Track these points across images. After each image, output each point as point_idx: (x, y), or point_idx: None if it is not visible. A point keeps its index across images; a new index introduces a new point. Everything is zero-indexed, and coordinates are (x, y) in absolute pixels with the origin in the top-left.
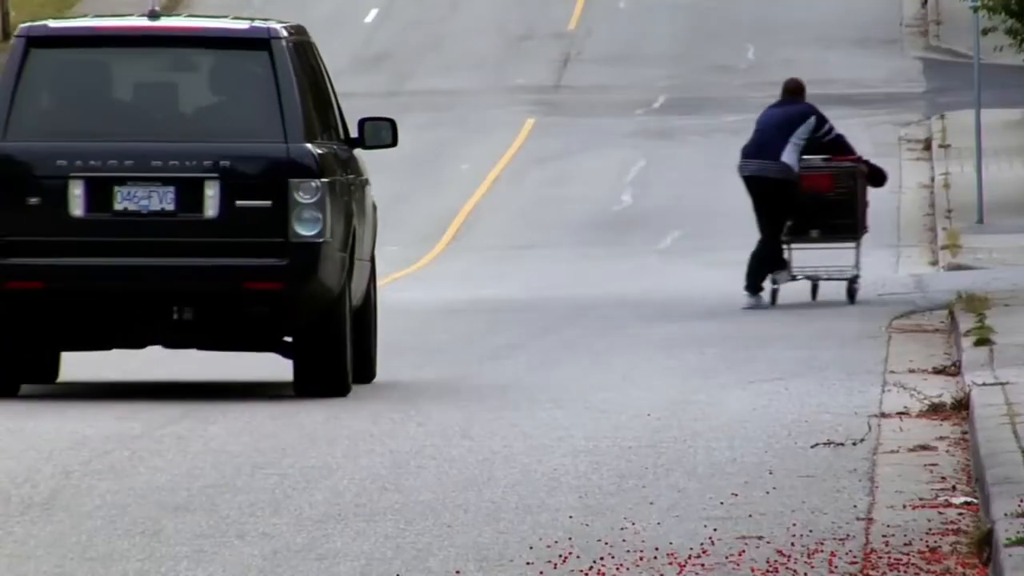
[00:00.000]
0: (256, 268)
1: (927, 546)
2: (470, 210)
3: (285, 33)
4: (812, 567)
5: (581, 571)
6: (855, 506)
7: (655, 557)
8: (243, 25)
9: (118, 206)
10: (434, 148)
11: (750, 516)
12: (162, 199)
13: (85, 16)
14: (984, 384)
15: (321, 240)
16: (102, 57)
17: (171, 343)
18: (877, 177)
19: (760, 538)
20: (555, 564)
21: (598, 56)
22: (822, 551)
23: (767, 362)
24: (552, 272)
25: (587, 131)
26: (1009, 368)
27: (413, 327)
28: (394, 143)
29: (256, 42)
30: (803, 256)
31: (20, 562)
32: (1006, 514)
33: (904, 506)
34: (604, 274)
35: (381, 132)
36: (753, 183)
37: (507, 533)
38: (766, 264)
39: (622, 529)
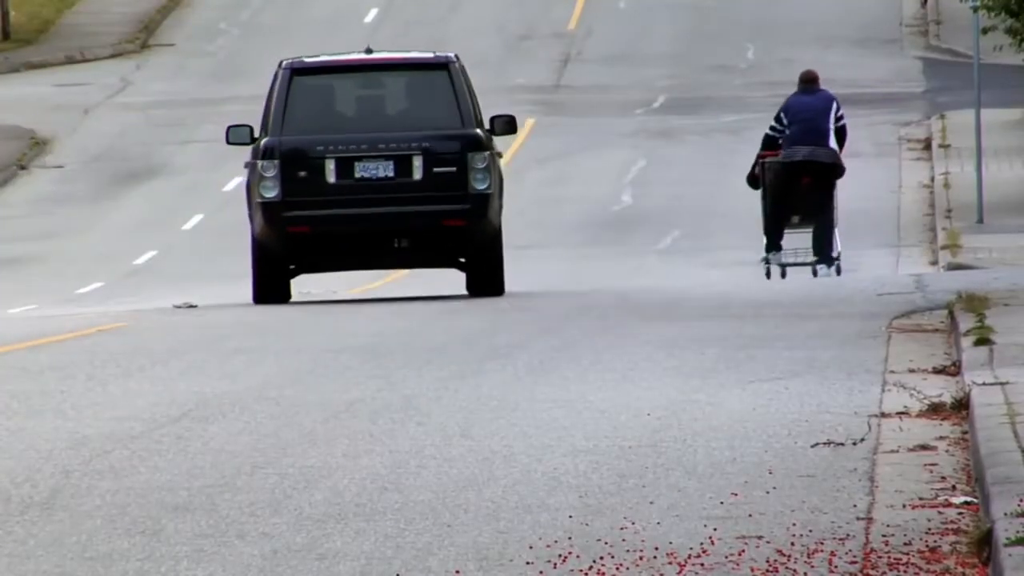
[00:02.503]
0: (448, 212)
1: (927, 546)
2: None
3: (455, 59)
4: (812, 567)
5: (581, 571)
6: (855, 506)
7: (655, 557)
8: (429, 55)
9: (357, 175)
10: None
11: (750, 516)
12: (385, 169)
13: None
14: (984, 384)
15: (489, 192)
16: (338, 80)
17: (393, 264)
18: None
19: (760, 538)
20: (555, 564)
21: (598, 56)
22: (822, 551)
23: (767, 362)
24: (552, 272)
25: (587, 131)
26: (1009, 368)
27: (413, 327)
28: (514, 132)
29: (439, 65)
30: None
31: (20, 562)
32: (1006, 514)
33: (904, 506)
34: (604, 274)
35: (506, 124)
36: (804, 167)
37: (507, 533)
38: (831, 241)
39: (622, 529)
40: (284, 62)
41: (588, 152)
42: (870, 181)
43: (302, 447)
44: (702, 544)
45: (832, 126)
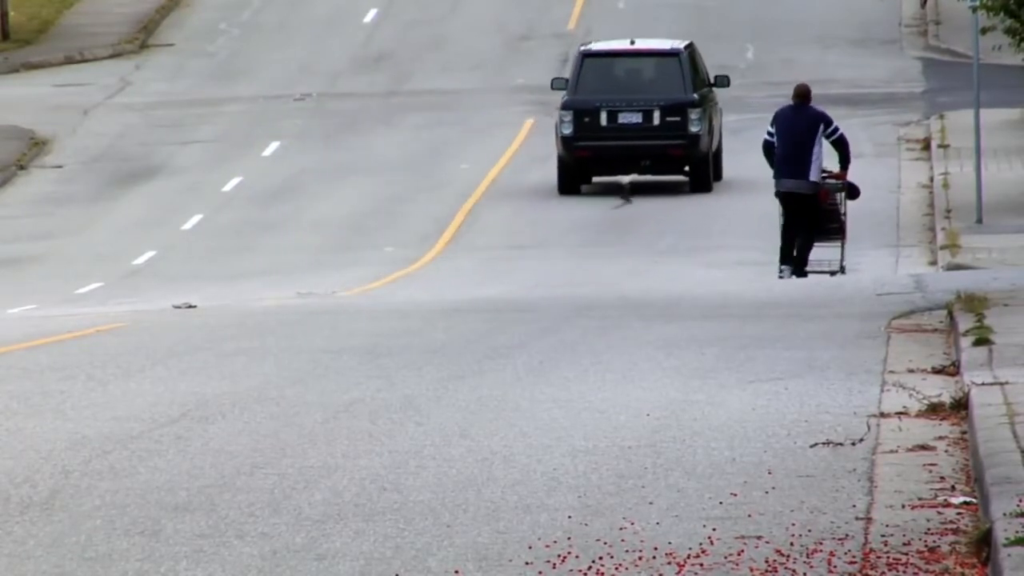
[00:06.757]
0: (673, 144)
1: (926, 546)
2: (469, 210)
3: (684, 48)
4: (811, 567)
5: (580, 571)
6: (854, 506)
7: (654, 557)
8: (667, 45)
9: (620, 121)
10: (434, 148)
11: (749, 516)
12: (636, 117)
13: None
14: (983, 384)
15: (700, 133)
16: (612, 60)
17: (641, 173)
18: (854, 192)
19: (759, 538)
20: (554, 564)
21: None
22: (821, 551)
23: (767, 362)
24: (552, 272)
25: None
26: (1008, 368)
27: (413, 327)
28: (728, 85)
29: (673, 53)
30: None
31: (20, 562)
32: (1005, 514)
33: (903, 506)
34: (604, 274)
35: (723, 79)
36: (791, 199)
37: (506, 533)
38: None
39: (621, 529)
40: (581, 47)
41: None
42: (870, 181)
43: (302, 447)
44: (701, 544)
45: (818, 149)
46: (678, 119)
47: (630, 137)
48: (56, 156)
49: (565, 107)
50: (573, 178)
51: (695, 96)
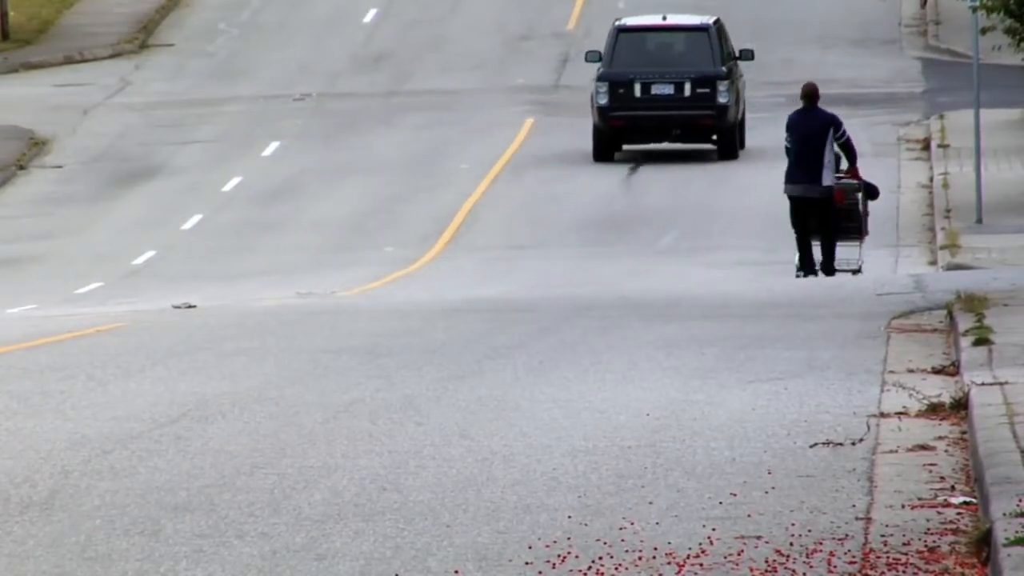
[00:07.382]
0: (703, 115)
1: (926, 546)
2: (469, 210)
3: (713, 23)
4: (811, 567)
5: (580, 571)
6: (854, 506)
7: (654, 557)
8: (697, 20)
9: (653, 92)
10: (434, 148)
11: (749, 516)
12: (668, 89)
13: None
14: (983, 384)
15: (728, 104)
16: (644, 34)
17: (672, 141)
18: (873, 192)
19: (759, 538)
20: (554, 564)
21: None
22: (821, 551)
23: (766, 362)
24: (552, 272)
25: (586, 131)
26: (1008, 368)
27: (413, 327)
28: (752, 59)
29: (703, 28)
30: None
31: (19, 562)
32: (1005, 514)
33: (903, 506)
34: (604, 274)
35: (747, 53)
36: (801, 203)
37: (506, 533)
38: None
39: (621, 529)
40: (616, 22)
41: (587, 152)
42: (870, 181)
43: (301, 447)
44: (701, 544)
45: (829, 153)
46: (707, 91)
47: (662, 107)
48: (56, 156)
49: (601, 79)
50: (608, 146)
51: (723, 69)
